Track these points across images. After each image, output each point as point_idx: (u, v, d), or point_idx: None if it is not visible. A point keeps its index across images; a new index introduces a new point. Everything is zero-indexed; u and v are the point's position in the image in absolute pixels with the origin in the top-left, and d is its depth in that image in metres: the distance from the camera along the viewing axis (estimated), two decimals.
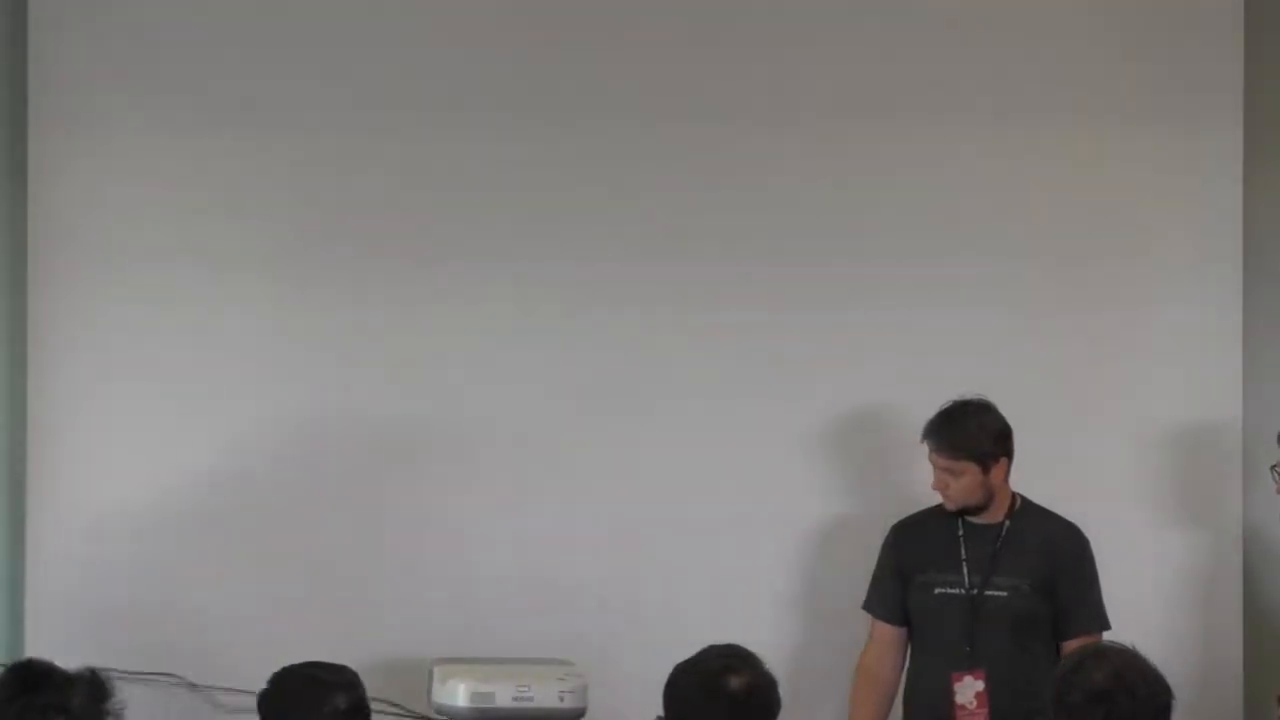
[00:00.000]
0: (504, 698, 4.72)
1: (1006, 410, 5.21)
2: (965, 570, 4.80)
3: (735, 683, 3.58)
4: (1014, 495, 4.87)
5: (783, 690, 3.79)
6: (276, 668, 3.86)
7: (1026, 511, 4.87)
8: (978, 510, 4.82)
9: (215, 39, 5.40)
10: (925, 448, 4.85)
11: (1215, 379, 5.46)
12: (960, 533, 4.84)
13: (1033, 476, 5.14)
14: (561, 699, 4.74)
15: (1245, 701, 5.44)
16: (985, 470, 4.78)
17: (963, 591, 4.78)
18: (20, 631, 5.30)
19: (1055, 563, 4.77)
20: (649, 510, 5.38)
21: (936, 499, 4.89)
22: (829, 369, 5.40)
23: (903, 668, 4.94)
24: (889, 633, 4.92)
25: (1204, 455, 5.44)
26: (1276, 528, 5.26)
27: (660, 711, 3.72)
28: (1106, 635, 4.62)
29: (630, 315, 5.44)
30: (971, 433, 4.79)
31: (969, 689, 4.72)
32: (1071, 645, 4.68)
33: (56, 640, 4.88)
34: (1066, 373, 5.44)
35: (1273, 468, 4.90)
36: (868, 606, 4.98)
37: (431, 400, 5.39)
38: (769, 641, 4.90)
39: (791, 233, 5.45)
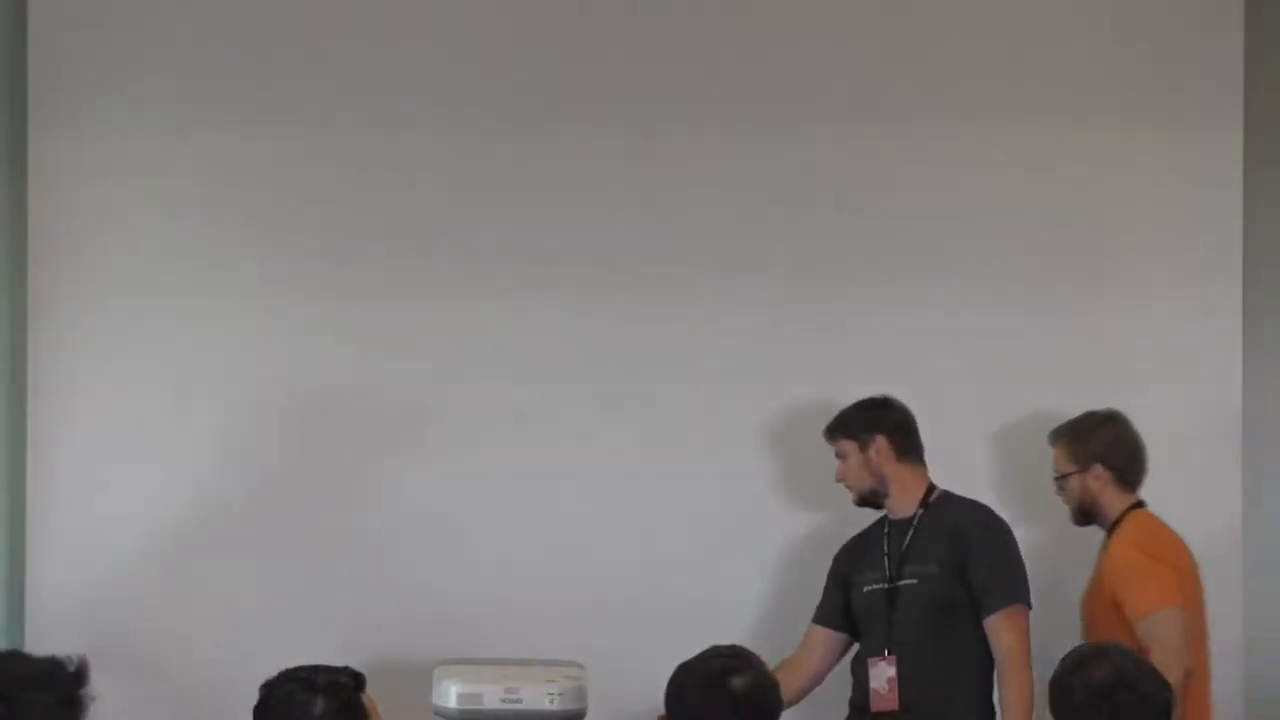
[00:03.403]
0: (491, 699, 4.71)
1: (1006, 410, 5.23)
2: (886, 565, 4.88)
3: (738, 683, 3.56)
4: (931, 488, 4.92)
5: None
6: (279, 668, 3.85)
7: (942, 502, 4.91)
8: (877, 497, 4.93)
9: (215, 39, 5.41)
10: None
11: (1215, 378, 5.46)
12: (885, 531, 4.94)
13: (1033, 475, 5.15)
14: (551, 701, 4.73)
15: (1245, 701, 5.44)
16: (862, 448, 4.90)
17: (883, 585, 4.87)
18: (20, 630, 5.30)
19: (962, 544, 4.80)
20: (652, 511, 5.39)
21: None
22: (828, 370, 5.40)
23: (818, 671, 5.00)
24: (816, 633, 5.02)
25: (1203, 455, 5.43)
26: (1277, 526, 5.29)
27: (662, 711, 3.71)
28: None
29: (630, 319, 5.44)
30: (848, 415, 4.96)
31: (882, 674, 4.80)
32: (993, 622, 4.74)
33: (56, 639, 4.87)
34: (1066, 372, 5.43)
35: (1056, 478, 4.99)
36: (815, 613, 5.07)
37: (435, 401, 5.40)
38: (768, 643, 4.96)
39: (791, 236, 5.45)
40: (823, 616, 5.02)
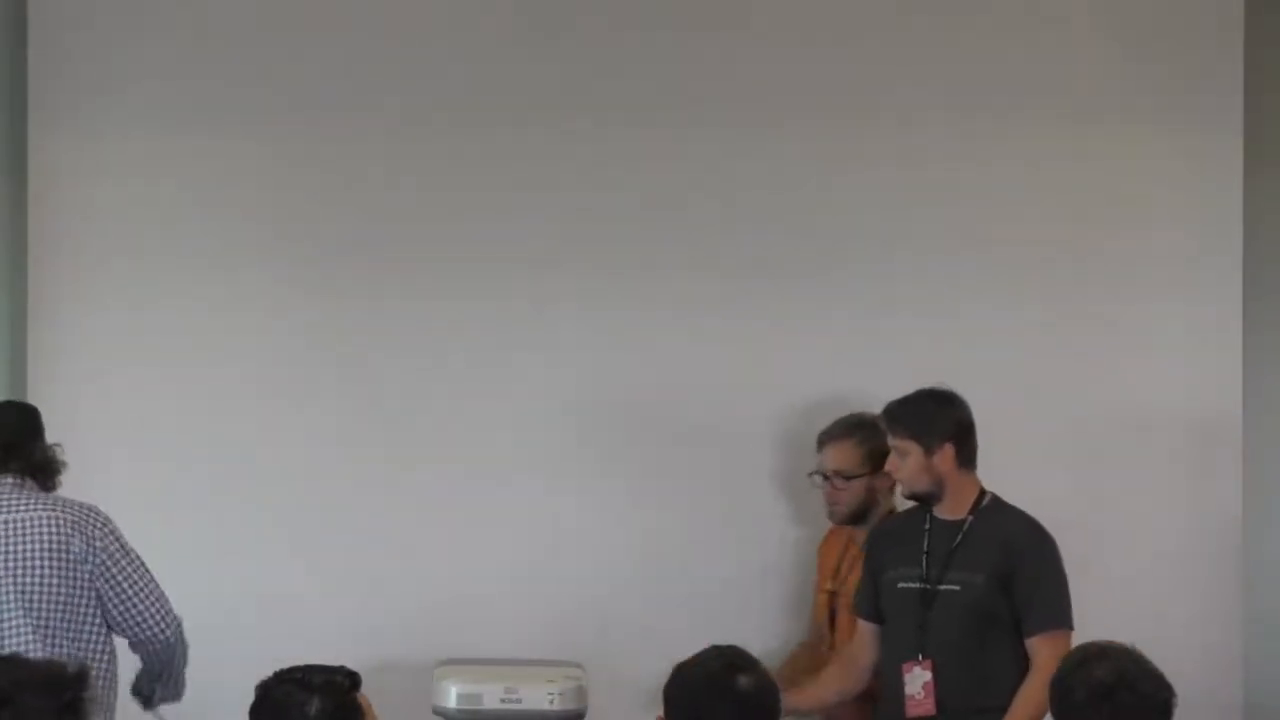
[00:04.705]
0: (491, 699, 4.72)
1: (1007, 408, 5.23)
2: (925, 564, 4.77)
3: (744, 681, 3.53)
4: (982, 493, 4.82)
5: None
6: (277, 668, 3.84)
7: (993, 509, 4.81)
8: (929, 498, 4.79)
9: (215, 39, 5.42)
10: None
11: (1215, 378, 5.47)
12: (926, 527, 4.82)
13: (1034, 475, 5.15)
14: (551, 701, 4.73)
15: (1245, 701, 5.44)
16: (928, 453, 4.75)
17: (920, 585, 4.77)
18: None
19: (1011, 559, 4.70)
20: (652, 511, 5.40)
21: None
22: (826, 369, 5.41)
23: (872, 664, 4.93)
24: (864, 628, 4.93)
25: (1204, 454, 5.45)
26: (1277, 526, 5.29)
27: (660, 711, 3.70)
28: (1108, 635, 4.61)
29: (629, 317, 5.45)
30: (918, 413, 4.78)
31: (918, 679, 4.71)
32: (1033, 643, 4.65)
33: None
34: (1067, 371, 5.45)
35: (811, 474, 5.06)
36: (852, 605, 4.99)
37: (435, 400, 5.40)
38: (770, 641, 4.97)
39: (793, 233, 5.46)
40: (864, 610, 4.91)
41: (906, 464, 4.78)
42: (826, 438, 5.12)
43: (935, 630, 4.71)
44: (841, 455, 5.07)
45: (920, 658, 4.71)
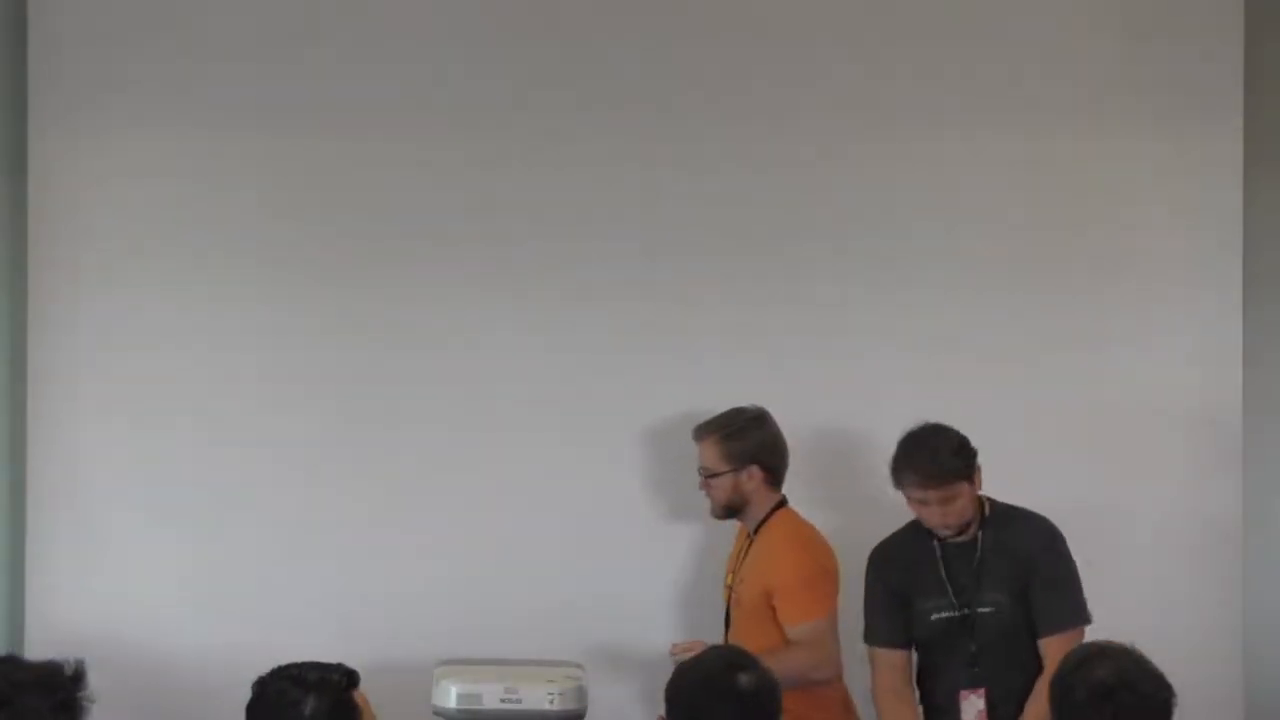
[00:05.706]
0: (491, 699, 4.72)
1: (1007, 410, 5.24)
2: (950, 591, 4.75)
3: (745, 680, 3.54)
4: (981, 503, 4.80)
5: None
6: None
7: (997, 517, 4.79)
8: (968, 526, 4.75)
9: (215, 39, 5.41)
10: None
11: (1215, 377, 5.47)
12: (938, 554, 4.78)
13: (1034, 476, 5.14)
14: (550, 701, 4.73)
15: (1245, 702, 5.44)
16: (973, 483, 4.74)
17: (955, 613, 4.74)
18: (20, 628, 5.29)
19: (1025, 570, 4.70)
20: (652, 511, 5.39)
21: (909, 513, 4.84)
22: (826, 371, 5.41)
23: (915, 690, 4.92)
24: (899, 657, 4.85)
25: (1204, 454, 5.44)
26: (1277, 524, 5.28)
27: (662, 711, 3.70)
28: (1108, 635, 4.61)
29: (625, 315, 5.45)
30: (950, 454, 4.71)
31: (972, 707, 4.71)
32: (1048, 642, 4.64)
33: (54, 638, 4.88)
34: (1067, 372, 5.45)
35: (708, 475, 5.03)
36: (868, 639, 4.89)
37: (435, 398, 5.40)
38: None
39: (791, 233, 5.46)
40: (894, 639, 4.83)
41: (957, 506, 4.72)
42: (695, 434, 5.09)
43: (983, 655, 4.71)
44: (704, 452, 5.05)
45: (974, 686, 4.70)
